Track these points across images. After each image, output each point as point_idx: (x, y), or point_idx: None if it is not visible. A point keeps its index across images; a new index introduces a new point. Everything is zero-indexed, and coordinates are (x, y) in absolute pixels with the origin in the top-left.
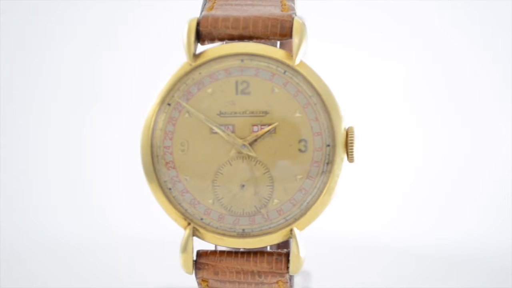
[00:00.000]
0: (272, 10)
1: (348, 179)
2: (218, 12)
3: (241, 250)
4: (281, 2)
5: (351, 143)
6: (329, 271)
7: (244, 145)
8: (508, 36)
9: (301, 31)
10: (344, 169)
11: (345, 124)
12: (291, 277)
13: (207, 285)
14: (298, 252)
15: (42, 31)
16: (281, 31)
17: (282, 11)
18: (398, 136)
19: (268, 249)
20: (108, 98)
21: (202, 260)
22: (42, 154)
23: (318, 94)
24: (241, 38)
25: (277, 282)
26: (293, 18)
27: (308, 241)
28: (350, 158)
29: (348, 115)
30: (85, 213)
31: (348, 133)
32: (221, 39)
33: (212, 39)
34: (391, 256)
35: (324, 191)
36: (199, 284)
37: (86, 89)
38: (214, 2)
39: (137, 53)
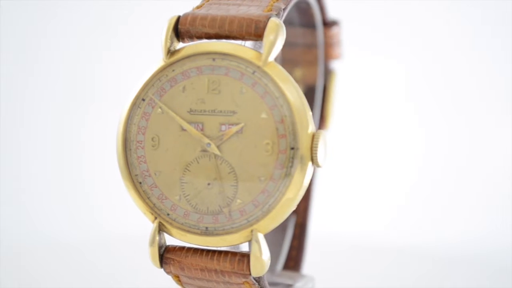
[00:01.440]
0: (253, 10)
1: (323, 183)
2: (201, 11)
3: (207, 248)
4: (269, 3)
5: (315, 147)
6: (330, 272)
7: (209, 143)
8: (509, 35)
9: (273, 32)
10: (309, 173)
11: (312, 128)
12: (260, 279)
13: (179, 281)
14: (260, 254)
15: (39, 30)
16: (255, 31)
17: (264, 11)
18: (399, 136)
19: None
20: (106, 97)
21: (169, 255)
22: (41, 154)
23: (285, 96)
24: (218, 37)
25: (243, 283)
26: (268, 19)
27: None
28: (315, 162)
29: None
30: (85, 213)
31: (314, 137)
32: (199, 37)
33: (190, 37)
34: (393, 257)
35: (286, 195)
36: (173, 279)
37: (84, 88)
38: (206, 2)
39: (137, 52)
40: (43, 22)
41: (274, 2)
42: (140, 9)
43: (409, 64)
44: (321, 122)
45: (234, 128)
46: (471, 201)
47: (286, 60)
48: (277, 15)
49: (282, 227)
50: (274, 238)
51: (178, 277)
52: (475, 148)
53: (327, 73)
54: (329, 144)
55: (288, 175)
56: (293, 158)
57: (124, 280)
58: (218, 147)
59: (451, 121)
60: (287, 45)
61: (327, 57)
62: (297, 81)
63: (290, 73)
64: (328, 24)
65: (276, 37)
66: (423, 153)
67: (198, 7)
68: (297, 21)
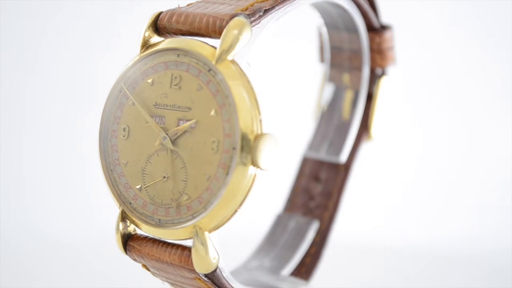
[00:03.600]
0: (226, 9)
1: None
2: (183, 9)
3: (164, 239)
4: (250, 2)
5: (255, 149)
6: (325, 272)
7: (165, 137)
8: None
9: (231, 31)
10: (249, 176)
11: (257, 130)
12: (214, 277)
13: (149, 270)
14: (205, 252)
15: (36, 29)
16: (218, 30)
17: (237, 10)
18: (395, 135)
19: None
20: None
21: (131, 243)
22: (41, 153)
23: (232, 96)
24: (189, 34)
25: (195, 279)
26: (232, 17)
27: None
28: (256, 165)
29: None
30: (84, 213)
31: (256, 139)
32: (174, 33)
33: (168, 33)
34: (390, 257)
35: (225, 194)
36: (142, 268)
37: (84, 88)
38: (197, 1)
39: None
40: (40, 21)
41: (256, 2)
42: (139, 8)
43: (407, 64)
44: (363, 130)
45: (187, 124)
46: (470, 200)
47: (335, 64)
48: (251, 14)
49: (301, 231)
50: (289, 242)
51: (145, 265)
52: (474, 147)
53: (374, 80)
54: (280, 147)
55: (228, 174)
56: (233, 158)
57: (124, 281)
58: (173, 141)
59: (449, 120)
60: (334, 49)
61: (374, 63)
62: (346, 86)
63: (339, 78)
64: (373, 29)
65: (235, 36)
66: (421, 152)
67: (188, 5)
68: (342, 25)
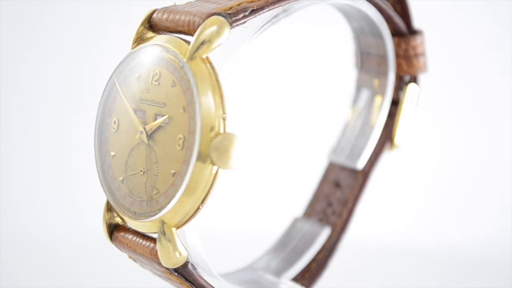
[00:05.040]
0: (210, 8)
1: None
2: (176, 7)
3: (142, 232)
4: (237, 2)
5: (214, 147)
6: (335, 274)
7: (142, 131)
8: None
9: (205, 29)
10: (209, 174)
11: (218, 129)
12: (185, 272)
13: (135, 260)
14: (169, 246)
15: (31, 28)
16: (197, 28)
17: (218, 10)
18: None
19: None
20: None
21: (115, 233)
22: (35, 153)
23: (197, 94)
24: (176, 31)
25: (166, 272)
26: (209, 16)
27: None
28: (215, 164)
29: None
30: (85, 212)
31: (216, 138)
32: (164, 31)
33: (160, 30)
34: (405, 259)
35: (186, 191)
36: (129, 258)
37: (77, 88)
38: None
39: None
40: (34, 20)
41: (243, 2)
42: (138, 8)
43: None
44: (386, 139)
45: (160, 120)
46: (485, 202)
47: (365, 69)
48: (233, 14)
49: (312, 236)
50: (299, 246)
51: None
52: (489, 148)
53: (401, 87)
54: (242, 147)
55: (187, 171)
56: (192, 155)
57: (125, 280)
58: (149, 136)
59: (465, 121)
60: (363, 54)
61: (400, 70)
62: (376, 92)
63: (370, 83)
64: (400, 34)
65: (208, 34)
66: (436, 153)
67: (186, 4)
68: (367, 30)
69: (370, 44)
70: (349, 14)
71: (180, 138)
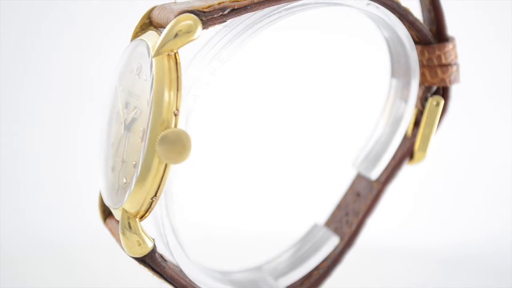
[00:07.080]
0: (188, 5)
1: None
2: (168, 4)
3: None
4: (219, 1)
5: (160, 141)
6: (339, 274)
7: (122, 123)
8: None
9: (171, 26)
10: (157, 166)
11: (168, 124)
12: (152, 261)
13: None
14: (129, 235)
15: (32, 29)
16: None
17: (195, 7)
18: None
19: None
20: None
21: (107, 219)
22: (40, 153)
23: (154, 88)
24: (162, 27)
25: (135, 259)
26: (180, 13)
27: None
28: (160, 156)
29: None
30: (84, 212)
31: (164, 132)
32: (157, 27)
33: (154, 26)
34: (402, 258)
35: (136, 183)
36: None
37: (80, 89)
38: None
39: None
40: (36, 20)
41: (225, 2)
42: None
43: None
44: (406, 152)
45: (132, 113)
46: (480, 202)
47: (396, 78)
48: (208, 12)
49: (321, 244)
50: (308, 252)
51: None
52: (484, 148)
53: (425, 98)
54: (189, 143)
55: (139, 163)
56: (143, 148)
57: (124, 281)
58: (126, 127)
59: (458, 122)
60: (395, 63)
61: (424, 80)
62: (406, 101)
63: (401, 92)
64: (426, 42)
65: (175, 31)
66: (436, 154)
67: (183, 2)
68: (396, 39)
69: (399, 52)
70: (377, 22)
71: (141, 131)
